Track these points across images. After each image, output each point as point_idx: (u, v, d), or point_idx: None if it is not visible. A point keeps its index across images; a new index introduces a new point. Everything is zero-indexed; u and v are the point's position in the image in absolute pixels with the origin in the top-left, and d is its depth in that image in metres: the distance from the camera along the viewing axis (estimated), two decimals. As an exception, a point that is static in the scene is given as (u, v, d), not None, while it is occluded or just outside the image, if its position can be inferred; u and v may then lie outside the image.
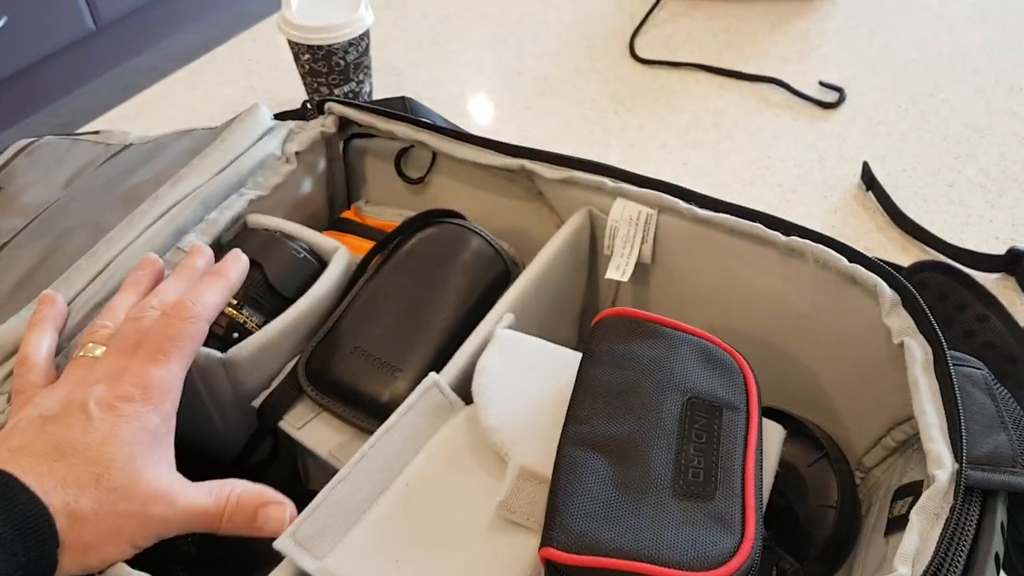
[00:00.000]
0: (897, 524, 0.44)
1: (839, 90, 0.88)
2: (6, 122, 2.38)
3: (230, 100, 0.94)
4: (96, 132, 0.77)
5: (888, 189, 0.76)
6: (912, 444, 0.49)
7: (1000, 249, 0.69)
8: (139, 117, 0.93)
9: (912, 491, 0.45)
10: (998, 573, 0.36)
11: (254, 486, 0.43)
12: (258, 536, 0.41)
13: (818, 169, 0.81)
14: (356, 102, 0.62)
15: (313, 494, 0.49)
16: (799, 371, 0.51)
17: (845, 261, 0.45)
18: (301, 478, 0.54)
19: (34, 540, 0.35)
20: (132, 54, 2.59)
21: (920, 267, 0.52)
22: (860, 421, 0.50)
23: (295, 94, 0.92)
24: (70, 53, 2.41)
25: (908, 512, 0.44)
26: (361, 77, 0.87)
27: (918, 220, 0.74)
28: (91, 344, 0.45)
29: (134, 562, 0.39)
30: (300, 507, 0.43)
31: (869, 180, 0.77)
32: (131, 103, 0.95)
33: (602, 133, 0.88)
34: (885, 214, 0.76)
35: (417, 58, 0.99)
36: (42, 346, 0.46)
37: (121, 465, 0.39)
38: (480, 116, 0.91)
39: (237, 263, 0.49)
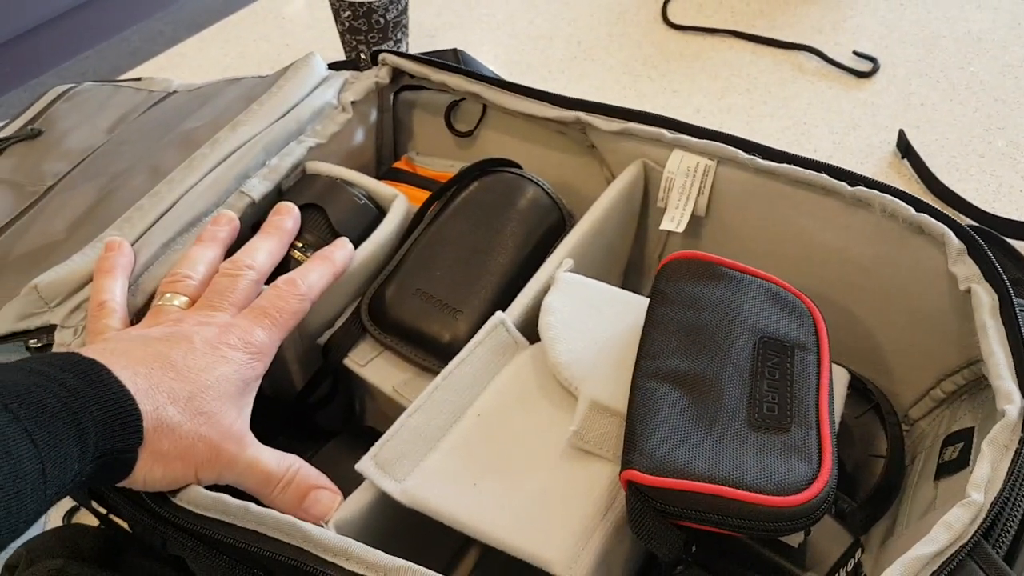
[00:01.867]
0: (948, 468, 0.46)
1: (873, 60, 0.89)
2: (12, 83, 2.36)
3: (266, 57, 0.94)
4: (138, 79, 0.77)
5: (922, 158, 0.77)
6: (960, 395, 0.50)
7: (1032, 218, 0.71)
8: (175, 70, 0.93)
9: (963, 438, 0.47)
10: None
11: (314, 469, 0.44)
12: (302, 518, 0.42)
13: (853, 136, 0.82)
14: (410, 54, 0.62)
15: (371, 430, 0.51)
16: (853, 324, 0.52)
17: (912, 210, 0.46)
18: (359, 418, 0.55)
19: (120, 429, 0.36)
20: (140, 18, 2.57)
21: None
22: (911, 373, 0.51)
23: (331, 53, 0.92)
24: (78, 15, 2.40)
25: (959, 456, 0.46)
26: (399, 36, 0.87)
27: (952, 189, 0.75)
28: (171, 294, 0.46)
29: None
30: (359, 440, 0.44)
31: (905, 148, 0.78)
32: (166, 56, 0.95)
33: (636, 97, 0.88)
34: (920, 182, 0.77)
35: (449, 20, 1.00)
36: (115, 291, 0.47)
37: (214, 395, 0.40)
38: (512, 80, 0.91)
39: (343, 249, 0.50)
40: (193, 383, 0.40)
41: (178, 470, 0.39)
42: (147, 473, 0.38)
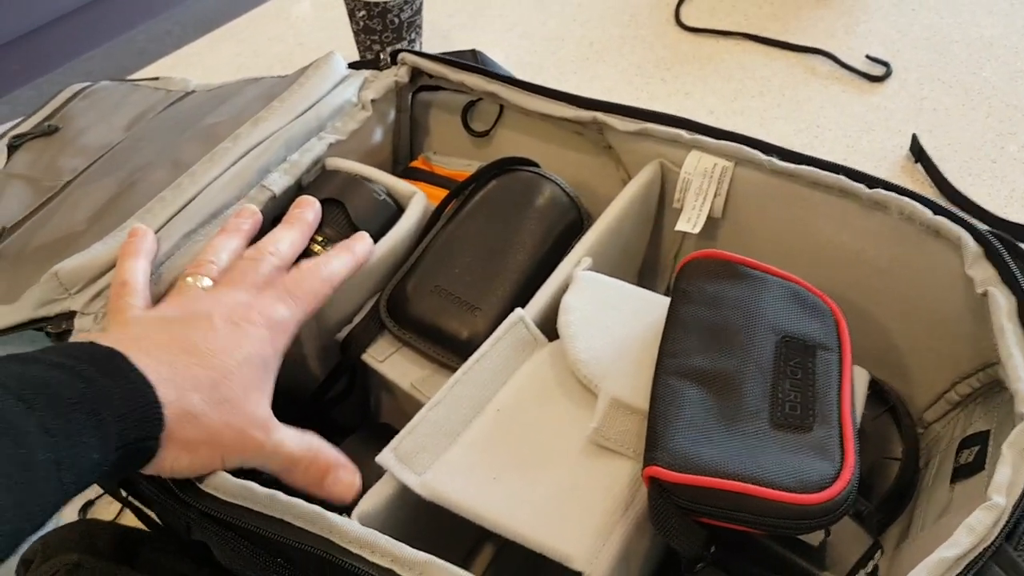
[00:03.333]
0: (964, 471, 0.46)
1: (886, 64, 0.89)
2: (19, 80, 2.37)
3: (279, 57, 0.95)
4: (155, 78, 0.78)
5: (935, 162, 0.78)
6: (975, 398, 0.51)
7: (1045, 223, 0.71)
8: (187, 69, 0.93)
9: (979, 441, 0.47)
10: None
11: (333, 448, 0.44)
12: (322, 496, 0.42)
13: (866, 140, 0.82)
14: (429, 53, 0.63)
15: (386, 427, 0.51)
16: (869, 327, 0.52)
17: (930, 213, 0.46)
18: (374, 414, 0.56)
19: (142, 418, 0.36)
20: (147, 17, 2.58)
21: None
22: (926, 375, 0.52)
23: (344, 52, 0.92)
24: (85, 14, 2.40)
25: (975, 460, 0.46)
26: (413, 36, 0.87)
27: (964, 193, 0.75)
28: (197, 275, 0.46)
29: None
30: (376, 436, 0.45)
31: (918, 152, 0.79)
32: (177, 55, 0.96)
33: (648, 99, 0.89)
34: (933, 186, 0.77)
35: (462, 21, 1.00)
36: (138, 272, 0.47)
37: (237, 379, 0.40)
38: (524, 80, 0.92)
39: (363, 242, 0.51)
40: (216, 368, 0.40)
41: (204, 456, 0.40)
42: (173, 461, 0.38)
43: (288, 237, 0.49)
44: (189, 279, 0.46)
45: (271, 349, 0.43)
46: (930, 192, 0.77)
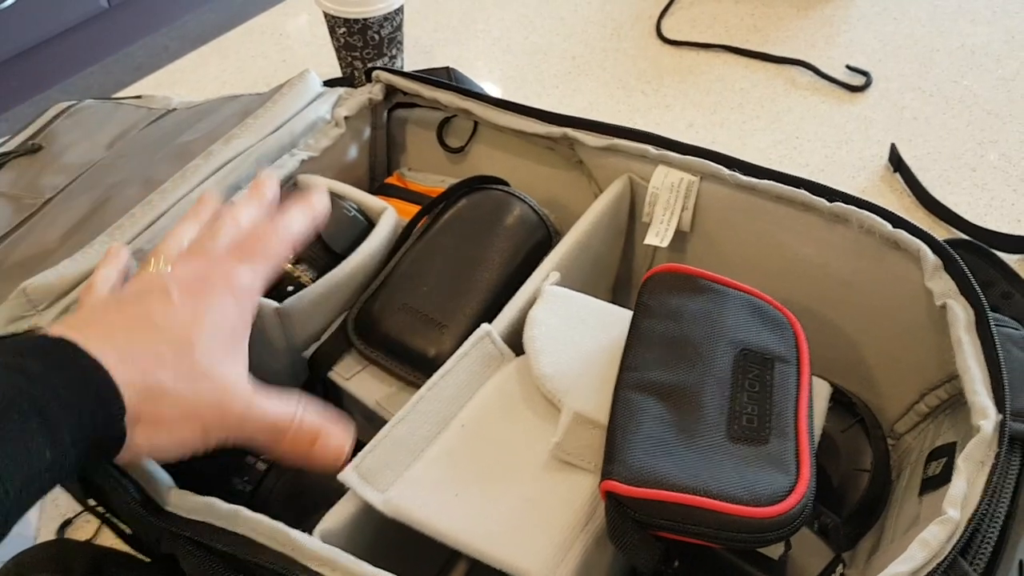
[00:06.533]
0: (932, 483, 0.46)
1: (866, 74, 0.90)
2: (18, 98, 2.38)
3: (263, 73, 0.95)
4: (138, 97, 0.78)
5: (914, 172, 0.78)
6: (943, 409, 0.51)
7: (1022, 231, 0.71)
8: (173, 86, 0.94)
9: (946, 453, 0.47)
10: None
11: (316, 407, 0.42)
12: (313, 469, 0.41)
13: (845, 150, 0.83)
14: (403, 71, 0.63)
15: (362, 445, 0.51)
16: (836, 338, 0.52)
17: (889, 226, 0.46)
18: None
19: (97, 405, 0.35)
20: (145, 33, 2.60)
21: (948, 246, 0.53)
22: (894, 387, 0.52)
23: (328, 69, 0.93)
24: (83, 31, 2.42)
25: (942, 472, 0.46)
26: (394, 52, 0.88)
27: (943, 202, 0.75)
28: (158, 260, 0.44)
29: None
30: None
31: (897, 162, 0.79)
32: (164, 72, 0.96)
33: (629, 112, 0.89)
34: (912, 195, 0.77)
35: (445, 36, 1.01)
36: (110, 279, 0.46)
37: (203, 349, 0.39)
38: (508, 95, 0.93)
39: (319, 194, 0.48)
40: (179, 341, 0.38)
41: (185, 433, 0.38)
42: (149, 442, 0.37)
43: (246, 211, 0.47)
44: (151, 265, 0.44)
45: (237, 315, 0.41)
46: (909, 202, 0.77)
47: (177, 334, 0.39)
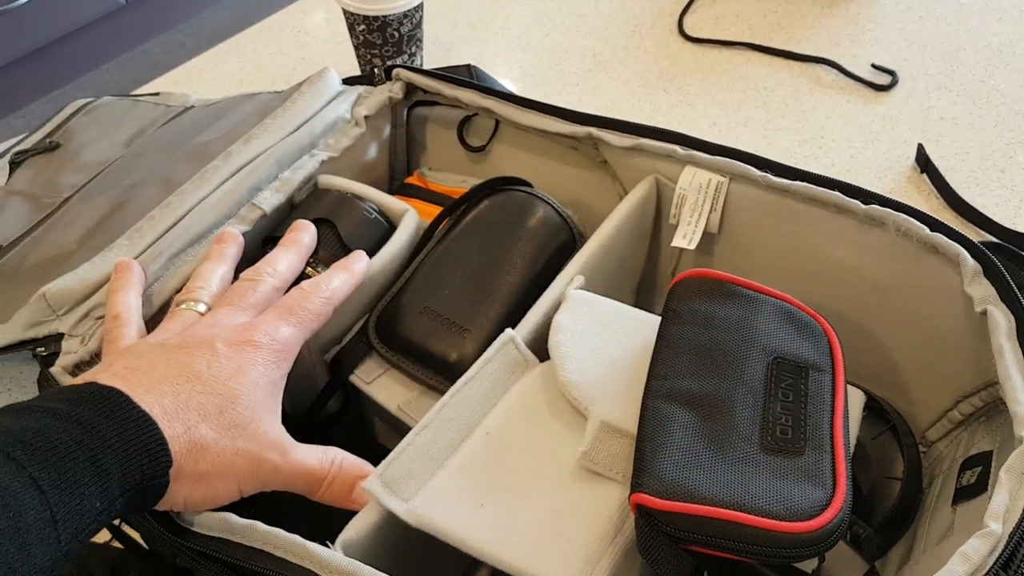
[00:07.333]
0: (966, 493, 0.45)
1: (892, 73, 0.88)
2: (34, 94, 2.39)
3: (281, 71, 0.95)
4: (156, 94, 0.78)
5: (941, 173, 0.76)
6: (978, 417, 0.49)
7: (1055, 234, 0.69)
8: (191, 83, 0.93)
9: (981, 462, 0.46)
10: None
11: (355, 458, 0.43)
12: (351, 508, 0.41)
13: (872, 150, 0.81)
14: (424, 69, 0.62)
15: (382, 448, 0.51)
16: (868, 343, 0.51)
17: (927, 230, 0.45)
18: (368, 433, 0.55)
19: (146, 458, 0.35)
20: (161, 30, 2.60)
21: (986, 250, 0.52)
22: (927, 394, 0.51)
23: (346, 66, 0.92)
24: (99, 27, 2.42)
25: (977, 481, 0.45)
26: (413, 50, 0.87)
27: (971, 204, 0.74)
28: (191, 301, 0.46)
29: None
30: (368, 460, 0.44)
31: (924, 163, 0.77)
32: (181, 69, 0.96)
33: (651, 110, 0.88)
34: (940, 197, 0.76)
35: (464, 33, 1.00)
36: (130, 304, 0.47)
37: (245, 403, 0.39)
38: (528, 93, 0.91)
39: (361, 261, 0.51)
40: (222, 395, 0.39)
41: (220, 488, 0.39)
42: (187, 496, 0.38)
43: (285, 259, 0.49)
44: (183, 306, 0.46)
45: (276, 371, 0.42)
46: (936, 203, 0.76)
47: (221, 387, 0.39)
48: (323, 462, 0.42)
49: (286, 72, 0.94)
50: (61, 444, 0.33)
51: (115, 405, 0.36)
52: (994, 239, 0.72)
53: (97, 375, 0.38)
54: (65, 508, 0.32)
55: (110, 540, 0.57)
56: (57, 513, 0.32)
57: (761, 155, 0.51)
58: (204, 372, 0.39)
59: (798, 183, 0.49)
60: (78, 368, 0.47)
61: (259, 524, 0.37)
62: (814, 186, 0.48)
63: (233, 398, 0.39)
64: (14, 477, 0.31)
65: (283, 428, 0.42)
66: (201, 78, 0.94)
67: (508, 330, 0.47)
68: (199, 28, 2.61)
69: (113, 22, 2.43)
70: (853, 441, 0.43)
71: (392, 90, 0.62)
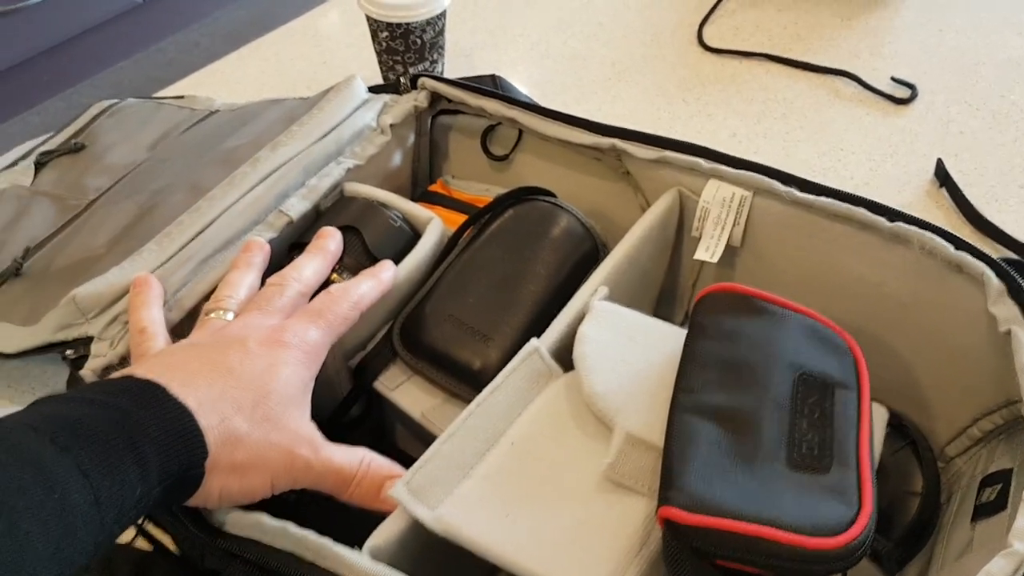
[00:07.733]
0: (986, 510, 0.45)
1: (911, 86, 0.88)
2: (49, 92, 2.40)
3: (303, 75, 0.95)
4: (180, 97, 0.78)
5: (960, 188, 0.77)
6: (998, 434, 0.50)
7: (1075, 251, 0.70)
8: (213, 87, 0.94)
9: (1001, 479, 0.46)
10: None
11: (384, 459, 0.44)
12: (379, 509, 0.42)
13: (891, 163, 0.81)
14: (449, 78, 0.63)
15: (404, 454, 0.51)
16: (889, 359, 0.51)
17: (952, 248, 0.45)
18: (388, 439, 0.56)
19: (183, 447, 0.36)
20: (176, 29, 2.61)
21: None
22: (947, 410, 0.51)
23: (368, 72, 0.93)
24: (114, 26, 2.43)
25: (997, 498, 0.45)
26: (435, 57, 0.88)
27: (990, 220, 0.74)
28: (220, 310, 0.46)
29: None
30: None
31: (943, 177, 0.78)
32: (203, 72, 0.97)
33: (669, 120, 0.88)
34: (958, 212, 0.76)
35: (484, 40, 1.00)
36: (154, 318, 0.47)
37: (278, 399, 0.40)
38: (546, 101, 0.92)
39: (388, 268, 0.51)
40: (255, 390, 0.40)
41: (255, 480, 0.39)
42: (222, 488, 0.38)
43: (312, 265, 0.50)
44: (212, 314, 0.46)
45: (307, 371, 0.43)
46: (955, 218, 0.76)
47: (254, 382, 0.40)
48: (352, 461, 0.42)
49: (307, 76, 0.95)
50: (101, 431, 0.34)
51: (152, 396, 0.36)
52: (1013, 255, 0.72)
53: (133, 371, 0.39)
54: (107, 492, 0.33)
55: (133, 539, 0.57)
56: (101, 498, 0.32)
57: (781, 167, 0.52)
58: (237, 367, 0.40)
59: (823, 199, 0.49)
60: (107, 372, 0.48)
61: (292, 525, 0.38)
62: (839, 202, 0.49)
63: (266, 393, 0.40)
64: (58, 460, 0.32)
65: (314, 425, 0.42)
66: (223, 81, 0.95)
67: (533, 340, 0.47)
68: (214, 28, 2.61)
69: (129, 20, 2.44)
70: (877, 458, 0.43)
71: (417, 99, 0.63)
